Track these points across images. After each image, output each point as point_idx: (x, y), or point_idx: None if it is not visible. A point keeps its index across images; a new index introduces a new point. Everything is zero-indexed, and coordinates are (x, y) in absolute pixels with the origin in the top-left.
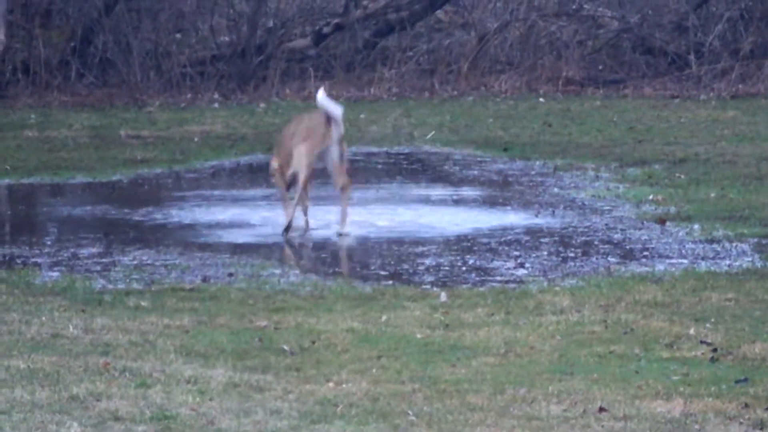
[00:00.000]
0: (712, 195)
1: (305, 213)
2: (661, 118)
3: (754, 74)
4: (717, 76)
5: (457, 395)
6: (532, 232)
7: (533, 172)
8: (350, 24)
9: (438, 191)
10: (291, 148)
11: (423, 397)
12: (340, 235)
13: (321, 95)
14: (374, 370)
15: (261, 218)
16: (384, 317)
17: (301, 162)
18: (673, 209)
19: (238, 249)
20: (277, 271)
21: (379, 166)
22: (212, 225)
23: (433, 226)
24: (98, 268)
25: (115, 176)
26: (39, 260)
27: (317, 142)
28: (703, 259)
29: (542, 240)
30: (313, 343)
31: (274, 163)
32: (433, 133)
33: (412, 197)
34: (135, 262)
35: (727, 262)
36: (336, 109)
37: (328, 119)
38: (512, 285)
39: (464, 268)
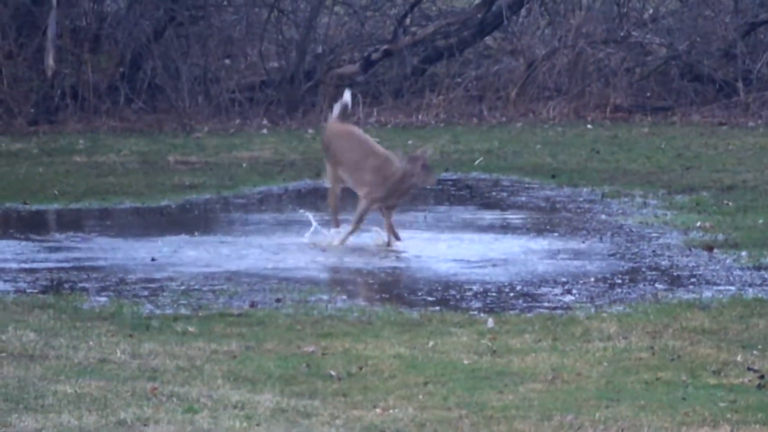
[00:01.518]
0: (760, 222)
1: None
2: (709, 145)
3: None
4: (765, 104)
5: (504, 422)
6: (580, 258)
7: (581, 199)
8: (399, 50)
9: (486, 217)
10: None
11: (470, 424)
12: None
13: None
14: (421, 396)
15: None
16: (431, 343)
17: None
18: (720, 236)
19: (285, 274)
20: (325, 297)
21: (427, 193)
22: (260, 250)
23: (478, 252)
24: (146, 293)
25: (164, 201)
26: (87, 285)
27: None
28: (750, 286)
29: (589, 267)
30: (360, 368)
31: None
32: (481, 159)
33: (459, 223)
34: (183, 288)
35: None
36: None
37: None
38: (559, 311)
39: (512, 294)
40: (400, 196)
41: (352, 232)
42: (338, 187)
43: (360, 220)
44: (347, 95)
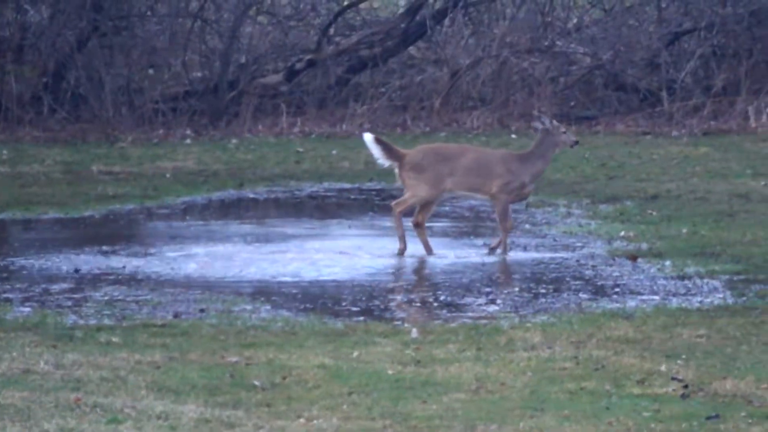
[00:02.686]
0: (684, 231)
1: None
2: (633, 154)
3: (726, 111)
4: (689, 113)
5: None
6: (504, 268)
7: None
8: (323, 60)
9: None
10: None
11: None
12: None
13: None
14: (345, 407)
15: (232, 254)
16: (355, 353)
17: None
18: (644, 246)
19: (209, 285)
20: (249, 307)
21: (351, 202)
22: (185, 260)
23: (404, 262)
24: (69, 303)
25: (88, 212)
26: (10, 296)
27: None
28: (674, 295)
29: (514, 276)
30: (285, 378)
31: None
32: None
33: (384, 233)
34: (106, 298)
35: (699, 298)
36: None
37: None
38: (483, 321)
39: (436, 304)
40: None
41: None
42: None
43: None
44: (368, 138)
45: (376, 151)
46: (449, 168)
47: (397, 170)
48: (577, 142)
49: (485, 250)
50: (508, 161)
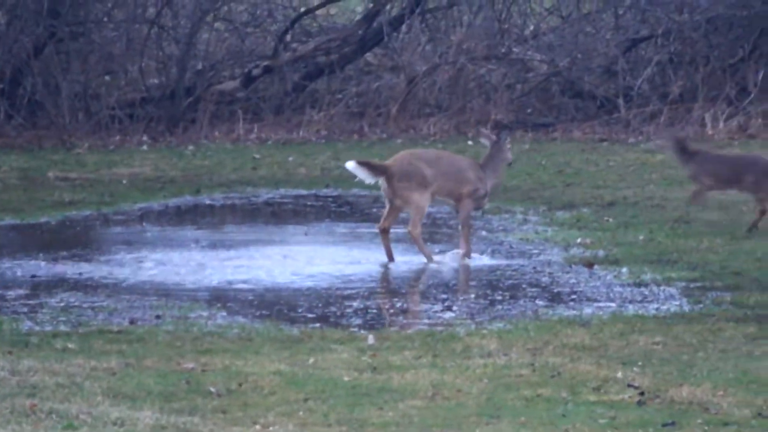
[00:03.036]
0: (641, 238)
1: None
2: (590, 161)
3: (683, 118)
4: (646, 120)
5: None
6: (460, 275)
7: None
8: (279, 66)
9: (366, 233)
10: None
11: None
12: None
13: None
14: (301, 413)
15: (188, 260)
16: (311, 360)
17: None
18: (601, 253)
19: (165, 291)
20: (205, 314)
21: (308, 209)
22: (140, 266)
23: (361, 268)
24: (25, 309)
25: (44, 218)
26: None
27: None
28: (630, 302)
29: (470, 283)
30: (240, 385)
31: None
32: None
33: (340, 239)
34: (62, 304)
35: (655, 305)
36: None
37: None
38: (440, 328)
39: (392, 311)
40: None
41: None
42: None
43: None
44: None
45: (361, 174)
46: (432, 172)
47: (384, 184)
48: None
49: (440, 257)
50: (476, 168)
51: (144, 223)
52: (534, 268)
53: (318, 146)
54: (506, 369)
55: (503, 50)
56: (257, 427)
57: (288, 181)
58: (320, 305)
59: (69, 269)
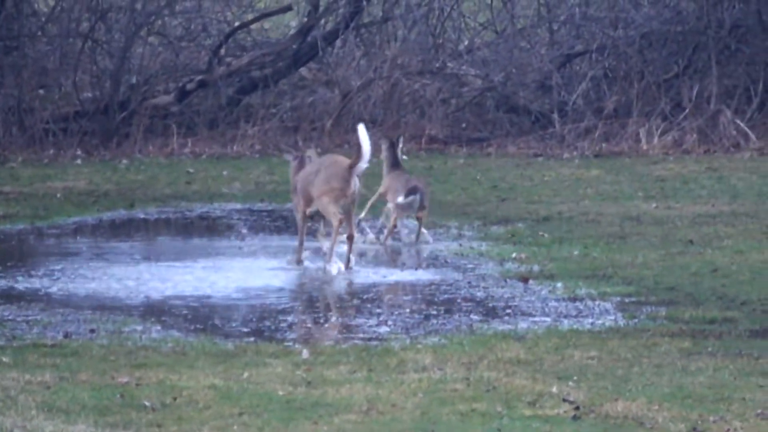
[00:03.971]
0: (575, 253)
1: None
2: (525, 176)
3: (617, 133)
4: (580, 135)
5: None
6: (395, 289)
7: (396, 230)
8: (214, 81)
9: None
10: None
11: None
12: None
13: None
14: (236, 427)
15: (123, 274)
16: (246, 374)
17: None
18: (536, 267)
19: (99, 305)
20: (139, 328)
21: (242, 223)
22: (74, 280)
23: (296, 282)
24: None
25: None
26: None
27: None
28: (565, 317)
29: (405, 297)
30: (175, 399)
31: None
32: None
33: (275, 253)
34: None
35: (590, 320)
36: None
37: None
38: (374, 342)
39: (327, 325)
40: None
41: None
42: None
43: None
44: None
45: (366, 144)
46: None
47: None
48: None
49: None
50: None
51: (78, 237)
52: (469, 282)
53: (252, 161)
54: (441, 383)
55: (438, 65)
56: None
57: (222, 196)
58: (254, 319)
59: (3, 283)
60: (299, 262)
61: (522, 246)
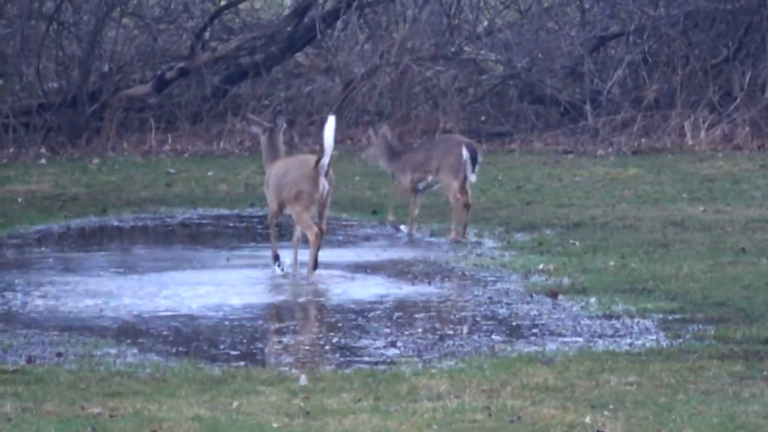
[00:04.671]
0: (611, 264)
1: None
2: (553, 176)
3: (658, 126)
4: (616, 129)
5: None
6: (406, 306)
7: (406, 238)
8: (197, 68)
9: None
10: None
11: None
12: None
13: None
14: None
15: (94, 289)
16: (235, 403)
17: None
18: (566, 280)
19: (68, 325)
20: (113, 351)
21: (230, 231)
22: (39, 297)
23: (291, 298)
24: None
25: None
26: None
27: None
28: (600, 337)
29: (417, 315)
30: None
31: None
32: None
33: (266, 265)
34: None
35: (628, 340)
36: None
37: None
38: (382, 367)
39: (327, 347)
40: None
41: None
42: None
43: None
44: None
45: (329, 139)
46: None
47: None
48: None
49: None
50: None
51: (43, 247)
52: (490, 298)
53: (241, 159)
54: (459, 413)
55: (453, 49)
56: None
57: (207, 200)
58: (245, 341)
59: None
60: (275, 258)
61: (550, 256)
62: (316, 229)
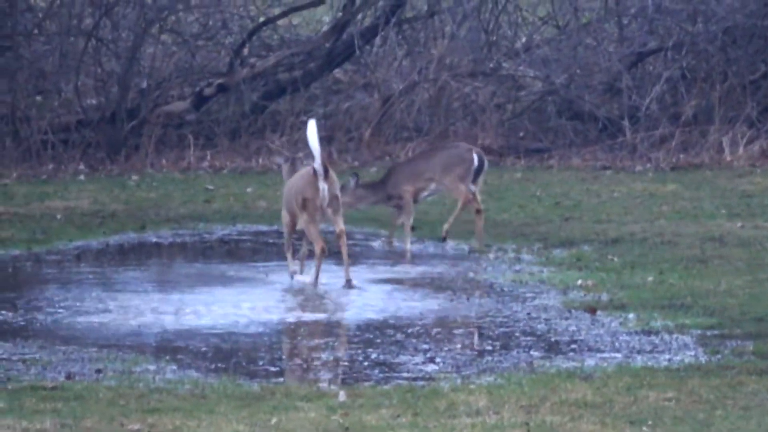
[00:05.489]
0: (650, 280)
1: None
2: (591, 192)
3: (696, 142)
4: (655, 145)
5: None
6: (444, 322)
7: (445, 254)
8: (235, 85)
9: (335, 272)
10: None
11: None
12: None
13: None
14: None
15: (133, 305)
16: (274, 420)
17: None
18: (604, 296)
19: (107, 341)
20: (152, 367)
21: (269, 247)
22: (78, 313)
23: (329, 314)
24: None
25: None
26: None
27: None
28: (639, 353)
29: (455, 331)
30: None
31: None
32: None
33: (303, 282)
34: None
35: (667, 356)
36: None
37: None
38: (421, 382)
39: (366, 363)
40: None
41: None
42: None
43: None
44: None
45: (314, 140)
46: None
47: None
48: None
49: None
50: None
51: (81, 264)
52: (528, 313)
53: (280, 175)
54: (497, 429)
55: (491, 65)
56: None
57: (246, 216)
58: (284, 357)
59: None
60: (292, 274)
61: (588, 272)
62: (322, 243)
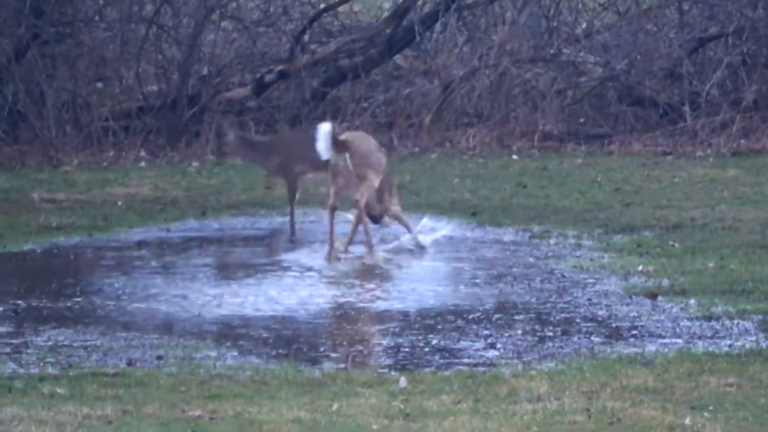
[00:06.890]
0: (711, 266)
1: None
2: (652, 177)
3: (757, 128)
4: (715, 130)
5: None
6: (505, 308)
7: (506, 240)
8: (296, 71)
9: (401, 261)
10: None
11: None
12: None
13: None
14: None
15: (194, 292)
16: (335, 405)
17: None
18: (665, 282)
19: (167, 327)
20: (213, 353)
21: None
22: (139, 300)
23: (389, 301)
24: (7, 350)
25: (27, 245)
26: None
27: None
28: (700, 338)
29: (516, 317)
30: None
31: None
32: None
33: (367, 267)
34: (50, 343)
35: (728, 342)
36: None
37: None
38: (482, 368)
39: (427, 349)
40: None
41: None
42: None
43: None
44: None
45: (325, 143)
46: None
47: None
48: None
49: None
50: None
51: (142, 251)
52: (589, 299)
53: None
54: (558, 415)
55: (552, 51)
56: None
57: (307, 202)
58: (345, 343)
59: (57, 304)
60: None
61: (649, 257)
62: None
